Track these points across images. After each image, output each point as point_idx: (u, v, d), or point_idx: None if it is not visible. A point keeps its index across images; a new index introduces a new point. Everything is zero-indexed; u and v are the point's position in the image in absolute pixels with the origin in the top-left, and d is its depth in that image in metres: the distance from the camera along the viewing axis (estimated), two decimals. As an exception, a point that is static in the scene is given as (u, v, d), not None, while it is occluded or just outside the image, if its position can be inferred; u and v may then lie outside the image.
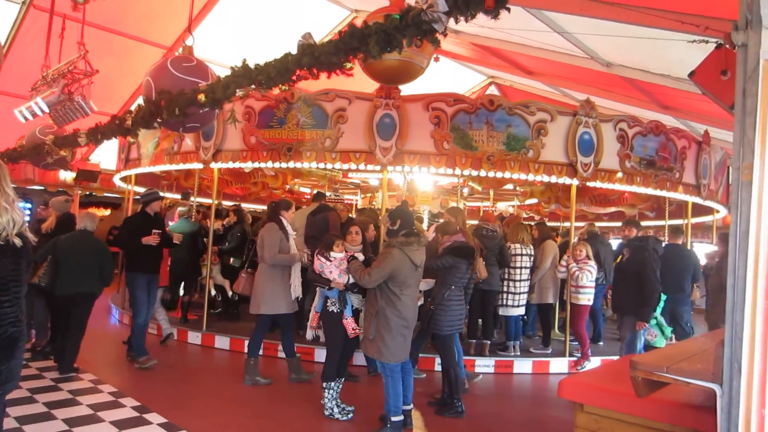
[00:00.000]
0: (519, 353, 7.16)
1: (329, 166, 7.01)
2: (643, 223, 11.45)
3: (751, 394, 2.08)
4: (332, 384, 4.88)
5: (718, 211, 10.23)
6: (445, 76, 12.07)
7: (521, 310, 7.28)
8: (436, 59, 5.40)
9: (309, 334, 5.18)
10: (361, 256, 4.93)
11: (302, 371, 5.95)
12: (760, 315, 2.09)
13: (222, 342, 7.35)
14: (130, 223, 6.63)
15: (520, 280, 7.20)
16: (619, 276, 6.36)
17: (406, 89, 6.39)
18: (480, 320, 7.24)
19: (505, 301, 7.17)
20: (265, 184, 10.62)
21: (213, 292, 8.62)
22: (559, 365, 7.12)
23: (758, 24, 2.31)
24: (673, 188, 7.93)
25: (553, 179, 7.00)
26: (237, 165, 7.53)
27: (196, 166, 7.89)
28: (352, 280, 4.78)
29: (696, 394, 2.64)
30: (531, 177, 6.94)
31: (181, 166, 8.29)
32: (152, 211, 6.48)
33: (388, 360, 4.44)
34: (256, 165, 7.49)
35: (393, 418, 4.43)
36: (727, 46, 3.63)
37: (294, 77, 4.42)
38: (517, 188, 10.80)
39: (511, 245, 7.27)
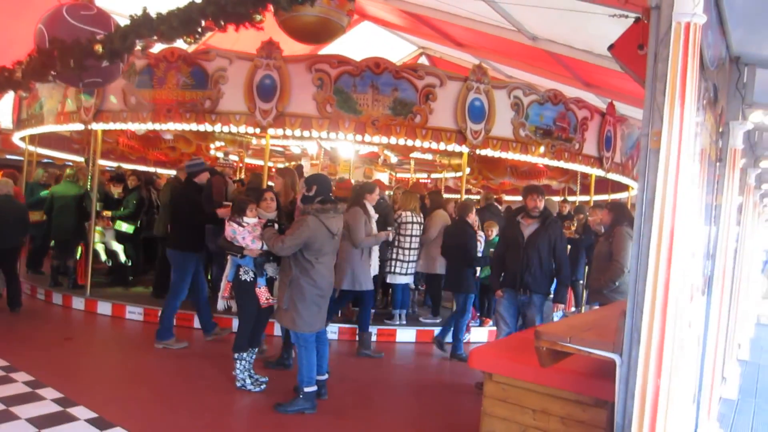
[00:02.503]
0: (405, 322, 7.07)
1: (209, 128, 6.65)
2: (571, 198, 11.78)
3: (648, 364, 2.05)
4: (244, 355, 4.68)
5: (632, 188, 10.38)
6: (375, 44, 11.82)
7: (409, 279, 7.16)
8: (350, 13, 5.15)
9: (220, 305, 4.90)
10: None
11: (371, 347, 6.12)
12: (661, 285, 2.05)
13: (104, 308, 7.05)
14: (190, 195, 5.82)
15: (409, 249, 7.05)
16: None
17: (294, 50, 6.07)
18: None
19: (392, 268, 7.03)
20: (179, 149, 9.99)
21: (104, 257, 8.20)
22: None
23: (673, -16, 2.23)
24: (571, 159, 7.84)
25: (442, 146, 6.87)
26: (117, 126, 7.10)
27: (77, 126, 7.37)
28: (265, 247, 4.55)
29: (599, 363, 2.63)
30: (418, 143, 6.78)
31: (64, 127, 7.75)
32: (200, 182, 5.89)
33: (302, 330, 4.29)
34: (137, 127, 7.08)
35: (306, 389, 4.30)
36: (645, 20, 3.61)
37: (199, 29, 4.06)
38: (438, 159, 10.69)
39: (402, 213, 7.12)
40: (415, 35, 11.58)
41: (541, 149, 7.39)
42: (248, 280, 4.64)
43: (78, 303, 7.18)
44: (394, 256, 7.05)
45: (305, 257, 4.25)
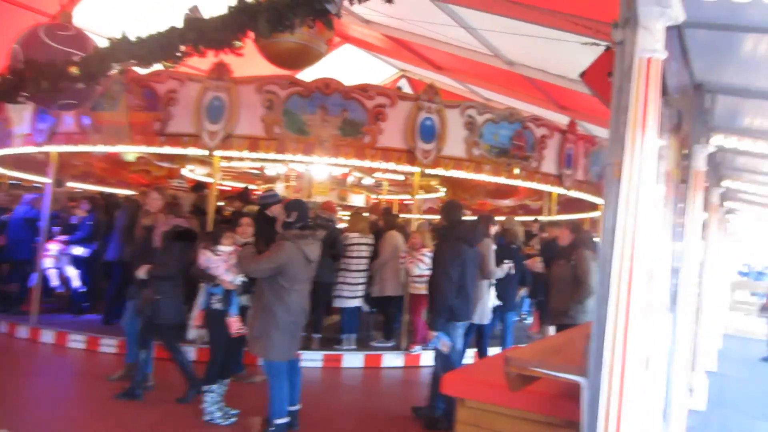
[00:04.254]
0: (355, 347, 6.86)
1: (158, 150, 6.66)
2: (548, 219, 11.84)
3: (611, 387, 2.11)
4: (214, 387, 4.53)
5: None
6: (357, 67, 11.97)
7: (357, 302, 6.97)
8: (329, 42, 5.23)
9: (192, 333, 4.82)
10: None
11: None
12: (623, 310, 2.12)
13: (47, 336, 6.76)
14: (263, 228, 5.53)
15: (357, 271, 6.90)
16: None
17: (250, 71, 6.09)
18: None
19: (340, 292, 6.85)
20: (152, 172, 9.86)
21: (56, 282, 7.87)
22: (393, 359, 6.84)
23: (636, 22, 2.33)
24: (529, 178, 7.72)
25: (392, 166, 6.85)
26: (70, 149, 7.04)
27: (31, 149, 7.30)
28: (240, 279, 4.52)
29: (569, 385, 2.68)
30: (367, 163, 6.76)
31: (18, 150, 7.61)
32: (272, 214, 5.77)
33: (274, 358, 4.20)
34: (90, 149, 7.05)
35: (276, 421, 4.18)
36: (615, 49, 3.75)
37: (178, 53, 4.10)
38: (411, 179, 10.63)
39: (348, 235, 6.99)
40: (396, 58, 11.76)
41: (496, 168, 7.31)
42: (220, 308, 4.56)
43: (23, 331, 6.91)
44: (341, 279, 6.86)
45: (280, 284, 4.17)
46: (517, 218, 10.32)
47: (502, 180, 7.52)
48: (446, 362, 4.70)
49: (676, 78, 3.78)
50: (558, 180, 8.09)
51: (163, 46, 4.06)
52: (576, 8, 5.20)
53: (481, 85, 10.66)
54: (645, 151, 2.22)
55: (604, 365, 2.14)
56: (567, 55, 6.45)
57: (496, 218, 7.15)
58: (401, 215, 11.59)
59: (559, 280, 5.53)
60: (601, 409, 2.14)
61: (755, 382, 7.85)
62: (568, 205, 9.84)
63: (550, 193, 9.05)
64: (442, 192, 10.86)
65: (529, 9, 5.70)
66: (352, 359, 6.70)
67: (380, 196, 11.73)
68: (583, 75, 4.13)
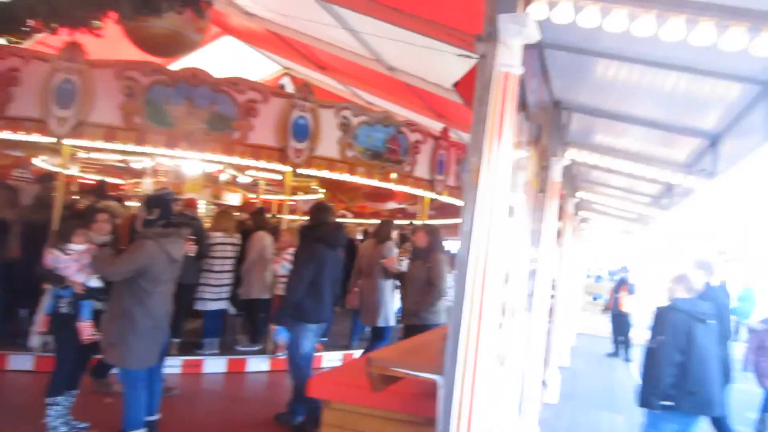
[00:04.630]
0: (217, 351, 6.52)
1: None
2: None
3: (463, 385, 2.20)
4: (59, 399, 4.09)
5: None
6: (238, 61, 11.58)
7: (221, 305, 6.67)
8: (200, 30, 4.99)
9: (35, 340, 4.30)
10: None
11: None
12: (476, 311, 2.22)
13: None
14: None
15: (221, 272, 6.61)
16: None
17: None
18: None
19: (203, 294, 6.51)
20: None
21: None
22: (258, 363, 6.57)
23: (496, 38, 2.46)
24: (402, 182, 7.78)
25: (263, 164, 6.67)
26: None
27: None
28: (94, 283, 4.13)
29: (428, 384, 2.76)
30: (236, 160, 6.57)
31: None
32: None
33: (131, 366, 3.87)
34: None
35: (131, 432, 3.88)
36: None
37: (25, 28, 3.68)
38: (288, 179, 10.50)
39: (212, 234, 6.66)
40: (280, 55, 11.53)
41: (369, 170, 7.31)
42: (69, 313, 4.11)
43: None
44: (203, 281, 6.51)
45: (141, 285, 3.84)
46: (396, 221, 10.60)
47: (375, 183, 7.54)
48: (295, 366, 4.71)
49: (536, 94, 4.07)
50: (430, 185, 8.27)
51: (5, 19, 3.62)
52: (452, 21, 5.42)
53: (364, 88, 10.77)
54: (501, 159, 2.35)
55: (458, 363, 2.23)
56: (444, 65, 6.71)
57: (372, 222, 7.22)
58: (278, 216, 11.37)
59: (412, 282, 5.51)
60: (454, 405, 2.23)
61: (601, 376, 8.67)
62: (445, 209, 10.23)
63: (423, 198, 9.34)
64: (321, 194, 10.82)
65: (409, 17, 5.84)
66: (214, 364, 6.35)
67: (257, 196, 11.41)
68: (456, 85, 4.34)
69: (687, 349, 3.78)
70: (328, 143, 6.89)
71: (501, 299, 2.63)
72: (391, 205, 12.14)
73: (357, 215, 14.04)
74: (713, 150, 4.74)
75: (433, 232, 5.61)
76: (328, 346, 7.10)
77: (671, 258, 12.98)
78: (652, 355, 3.94)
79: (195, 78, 6.04)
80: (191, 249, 4.98)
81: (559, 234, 7.14)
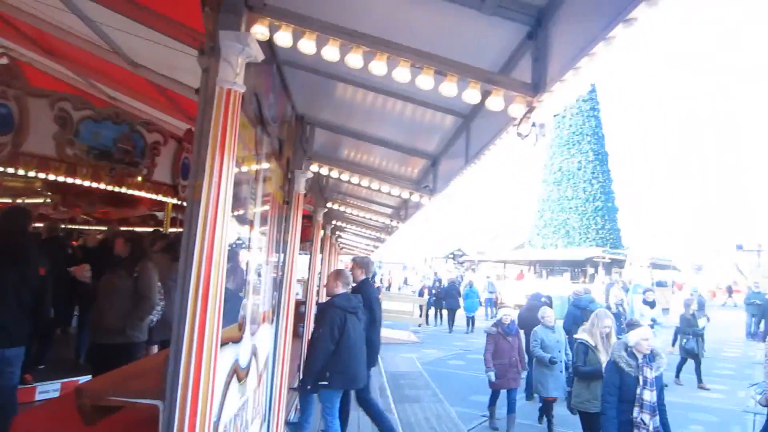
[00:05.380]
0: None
1: None
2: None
3: (185, 406, 2.14)
4: None
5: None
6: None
7: None
8: None
9: None
10: None
11: None
12: (197, 328, 2.18)
13: None
14: None
15: None
16: None
17: None
18: None
19: None
20: None
21: None
22: None
23: (218, 54, 2.45)
24: (139, 186, 7.20)
25: None
26: None
27: None
28: None
29: (153, 410, 2.61)
30: None
31: None
32: None
33: None
34: None
35: None
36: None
37: None
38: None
39: None
40: (-6, 31, 9.66)
41: (96, 171, 6.63)
42: None
43: None
44: None
45: None
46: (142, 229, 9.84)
47: (102, 186, 6.82)
48: None
49: (276, 109, 4.18)
50: (173, 190, 7.73)
51: None
52: (192, 20, 5.22)
53: (105, 82, 9.69)
54: (224, 174, 2.36)
55: (179, 386, 2.16)
56: (194, 65, 6.41)
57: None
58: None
59: (110, 295, 4.92)
60: (175, 429, 2.15)
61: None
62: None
63: (167, 204, 8.75)
64: (47, 198, 9.41)
65: (143, 10, 5.45)
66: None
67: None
68: (197, 91, 4.19)
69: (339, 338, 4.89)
70: (42, 138, 6.05)
71: (254, 309, 2.61)
72: (143, 211, 11.18)
73: (101, 222, 12.68)
74: (434, 169, 5.49)
75: (134, 241, 5.26)
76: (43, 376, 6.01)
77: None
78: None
79: None
80: None
81: (313, 243, 7.46)
